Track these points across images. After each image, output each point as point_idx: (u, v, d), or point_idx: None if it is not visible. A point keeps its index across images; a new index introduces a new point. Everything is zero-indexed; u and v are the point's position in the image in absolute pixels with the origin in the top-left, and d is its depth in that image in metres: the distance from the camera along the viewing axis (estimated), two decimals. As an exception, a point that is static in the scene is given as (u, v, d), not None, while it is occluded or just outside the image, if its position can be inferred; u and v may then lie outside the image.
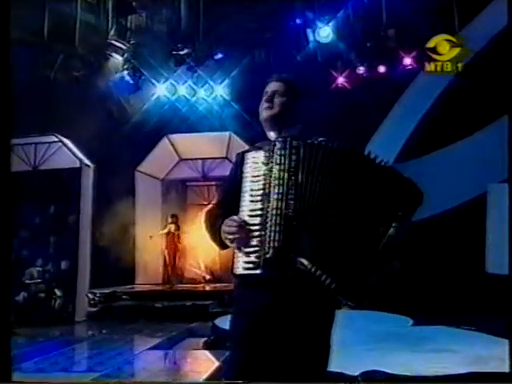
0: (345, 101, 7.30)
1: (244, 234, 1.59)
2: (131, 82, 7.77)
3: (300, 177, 1.60)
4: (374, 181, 1.61)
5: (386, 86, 7.25)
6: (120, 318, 7.00)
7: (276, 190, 1.60)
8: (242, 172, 1.66)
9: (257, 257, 1.58)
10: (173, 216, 8.98)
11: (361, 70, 7.53)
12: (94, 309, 7.34)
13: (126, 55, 7.58)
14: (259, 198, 1.62)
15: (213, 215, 1.76)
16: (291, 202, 1.58)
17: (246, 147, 1.85)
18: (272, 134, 1.77)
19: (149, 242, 8.76)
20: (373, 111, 7.22)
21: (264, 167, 1.63)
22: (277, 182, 1.61)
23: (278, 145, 1.64)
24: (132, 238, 8.64)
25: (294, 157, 1.61)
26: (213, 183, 9.25)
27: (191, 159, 9.28)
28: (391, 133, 7.43)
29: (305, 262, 1.56)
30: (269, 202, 1.60)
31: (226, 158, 8.38)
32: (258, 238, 1.59)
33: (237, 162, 1.75)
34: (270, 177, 1.62)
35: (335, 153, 1.61)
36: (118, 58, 7.73)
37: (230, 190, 1.73)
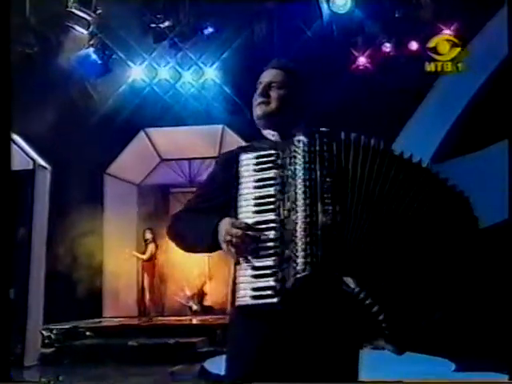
0: (367, 86, 7.28)
1: (249, 241, 1.57)
2: (99, 61, 7.78)
3: (337, 179, 1.58)
4: (431, 197, 1.62)
5: (418, 67, 7.00)
6: (83, 360, 6.90)
7: (306, 195, 1.56)
8: (237, 176, 1.66)
9: (277, 280, 1.54)
10: (150, 231, 8.95)
11: (387, 47, 7.48)
12: (49, 349, 7.23)
13: (91, 28, 7.58)
14: (271, 206, 1.60)
15: (188, 218, 1.76)
16: (328, 208, 1.55)
17: (243, 144, 1.89)
18: (269, 133, 1.81)
19: (120, 265, 8.76)
20: (402, 99, 7.16)
21: (275, 170, 1.63)
22: (306, 183, 1.57)
23: (304, 140, 1.62)
24: (99, 258, 8.59)
25: (326, 155, 1.60)
26: (202, 189, 9.20)
27: (175, 159, 9.31)
28: (426, 126, 7.39)
29: (351, 283, 1.53)
30: (293, 210, 1.57)
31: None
32: (274, 257, 1.56)
33: (225, 163, 1.75)
34: (294, 179, 1.59)
35: (382, 155, 1.62)
36: (81, 32, 7.69)
37: (212, 197, 1.74)
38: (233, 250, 1.57)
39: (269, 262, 1.56)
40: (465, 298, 1.64)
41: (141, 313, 8.89)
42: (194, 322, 8.33)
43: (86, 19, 7.53)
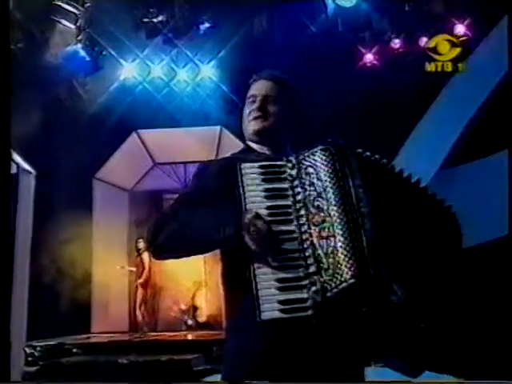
0: (375, 84, 7.26)
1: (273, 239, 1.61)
2: (88, 58, 7.77)
3: (366, 187, 1.66)
4: (425, 214, 1.75)
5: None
6: (69, 379, 6.86)
7: (343, 203, 1.61)
8: (241, 186, 1.66)
9: (315, 291, 1.56)
10: (144, 240, 8.78)
11: (396, 43, 7.51)
12: (32, 368, 7.15)
13: (79, 22, 7.57)
14: (290, 217, 1.64)
15: (190, 215, 1.73)
16: (366, 215, 1.61)
17: (242, 146, 1.93)
18: (261, 147, 1.87)
19: (110, 275, 8.75)
20: (412, 99, 7.11)
21: (288, 181, 1.68)
22: (341, 192, 1.63)
23: (331, 149, 1.69)
24: (87, 270, 8.57)
25: (354, 165, 1.69)
26: (198, 195, 9.18)
27: (169, 163, 9.29)
28: (436, 128, 7.35)
29: (399, 291, 1.57)
30: (326, 219, 1.61)
31: (216, 160, 8.32)
32: (302, 268, 1.59)
33: (222, 169, 1.76)
34: (323, 188, 1.64)
35: (404, 180, 1.77)
36: (69, 27, 7.69)
37: (209, 203, 1.71)
38: (253, 242, 1.58)
39: (297, 273, 1.59)
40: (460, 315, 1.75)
41: (132, 328, 8.87)
42: (189, 337, 8.27)
43: (73, 13, 7.52)
